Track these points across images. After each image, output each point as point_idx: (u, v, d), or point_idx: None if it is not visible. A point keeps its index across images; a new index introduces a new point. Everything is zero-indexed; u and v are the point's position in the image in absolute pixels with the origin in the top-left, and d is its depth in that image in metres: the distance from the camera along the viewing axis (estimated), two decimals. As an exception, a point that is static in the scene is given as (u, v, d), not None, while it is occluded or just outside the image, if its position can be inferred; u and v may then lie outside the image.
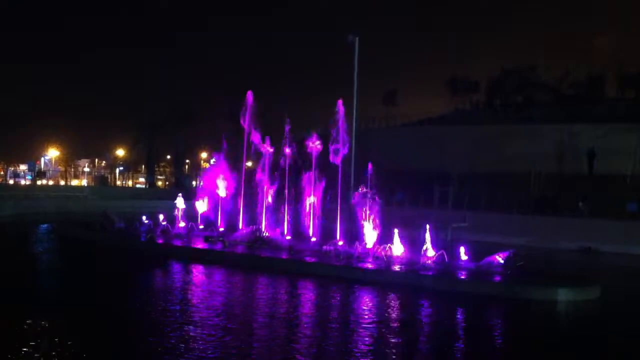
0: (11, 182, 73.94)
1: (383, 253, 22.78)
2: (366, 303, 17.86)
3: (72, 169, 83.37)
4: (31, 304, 15.66)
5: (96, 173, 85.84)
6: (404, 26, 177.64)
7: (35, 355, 11.10)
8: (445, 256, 21.33)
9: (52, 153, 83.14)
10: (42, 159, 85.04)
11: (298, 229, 27.30)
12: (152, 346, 12.22)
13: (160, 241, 27.39)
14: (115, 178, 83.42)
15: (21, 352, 11.21)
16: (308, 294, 19.15)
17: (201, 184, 31.35)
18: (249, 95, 29.14)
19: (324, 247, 24.30)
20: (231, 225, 29.27)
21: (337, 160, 26.43)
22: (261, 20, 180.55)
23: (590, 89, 63.64)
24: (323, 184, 26.87)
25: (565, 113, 52.33)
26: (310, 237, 26.19)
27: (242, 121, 29.00)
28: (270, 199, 28.22)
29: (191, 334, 13.04)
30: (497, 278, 19.56)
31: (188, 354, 11.53)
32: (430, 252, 21.72)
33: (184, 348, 11.95)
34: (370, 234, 24.14)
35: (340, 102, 27.09)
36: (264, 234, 27.06)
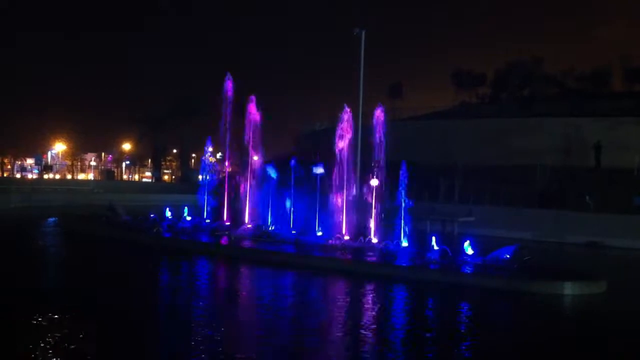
0: (18, 175, 74.24)
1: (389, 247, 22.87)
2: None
3: (79, 163, 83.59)
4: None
5: (102, 167, 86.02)
6: (407, 19, 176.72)
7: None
8: (448, 251, 21.29)
9: (59, 147, 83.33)
10: (49, 153, 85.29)
11: (304, 223, 27.34)
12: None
13: (166, 235, 27.48)
14: (121, 172, 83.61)
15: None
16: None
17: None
18: (252, 99, 29.58)
19: (330, 241, 24.37)
20: (237, 220, 29.31)
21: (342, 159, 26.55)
22: (259, 17, 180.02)
23: (596, 83, 63.31)
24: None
25: (570, 107, 52.09)
26: (316, 231, 26.23)
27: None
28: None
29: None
30: (504, 272, 19.57)
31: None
32: (437, 247, 21.73)
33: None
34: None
35: (347, 108, 27.13)
36: (270, 228, 27.13)
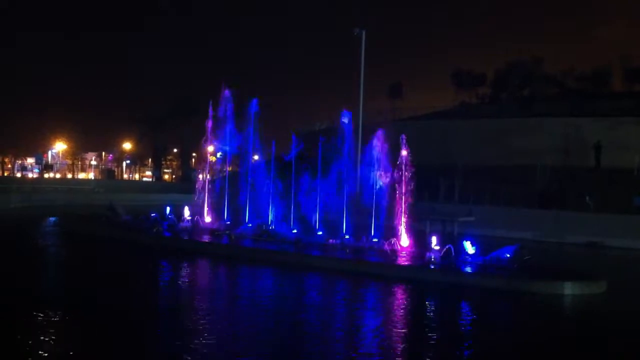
0: (18, 175, 74.25)
1: (389, 247, 22.91)
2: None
3: (79, 162, 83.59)
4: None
5: (103, 166, 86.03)
6: (407, 19, 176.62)
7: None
8: (452, 250, 21.26)
9: (60, 146, 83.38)
10: (50, 152, 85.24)
11: (304, 222, 27.37)
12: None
13: (167, 235, 27.50)
14: (122, 171, 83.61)
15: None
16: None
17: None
18: (253, 101, 29.64)
19: (331, 240, 24.40)
20: (237, 219, 29.31)
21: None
22: (259, 17, 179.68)
23: (596, 83, 63.38)
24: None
25: (570, 107, 52.14)
26: (317, 231, 26.25)
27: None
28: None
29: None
30: (504, 272, 19.58)
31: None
32: (437, 246, 21.74)
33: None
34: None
35: (345, 112, 27.18)
36: (270, 228, 27.15)
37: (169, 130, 76.82)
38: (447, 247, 21.29)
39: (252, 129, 29.68)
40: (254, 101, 29.66)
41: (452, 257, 20.99)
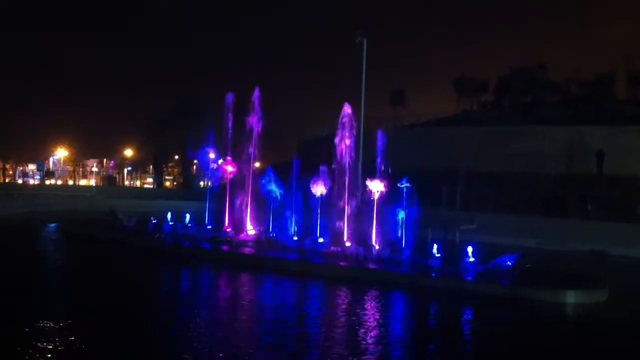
0: (20, 181, 74.19)
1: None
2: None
3: (81, 169, 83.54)
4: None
5: (104, 173, 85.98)
6: (407, 20, 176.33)
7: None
8: (453, 258, 21.14)
9: (61, 153, 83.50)
10: (51, 159, 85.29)
11: (306, 230, 27.24)
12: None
13: (168, 241, 27.40)
14: (123, 178, 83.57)
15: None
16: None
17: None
18: (256, 91, 29.27)
19: (332, 247, 24.30)
20: (239, 226, 29.16)
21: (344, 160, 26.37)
22: (262, 19, 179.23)
23: (599, 89, 63.19)
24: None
25: (573, 113, 52.02)
26: (318, 238, 26.11)
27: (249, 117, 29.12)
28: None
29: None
30: (506, 280, 19.46)
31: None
32: (438, 254, 21.63)
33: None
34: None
35: (347, 105, 27.03)
36: (272, 235, 27.03)
37: (168, 134, 76.62)
38: (447, 254, 21.14)
39: (254, 134, 29.49)
40: (256, 103, 29.40)
41: (454, 264, 20.90)
